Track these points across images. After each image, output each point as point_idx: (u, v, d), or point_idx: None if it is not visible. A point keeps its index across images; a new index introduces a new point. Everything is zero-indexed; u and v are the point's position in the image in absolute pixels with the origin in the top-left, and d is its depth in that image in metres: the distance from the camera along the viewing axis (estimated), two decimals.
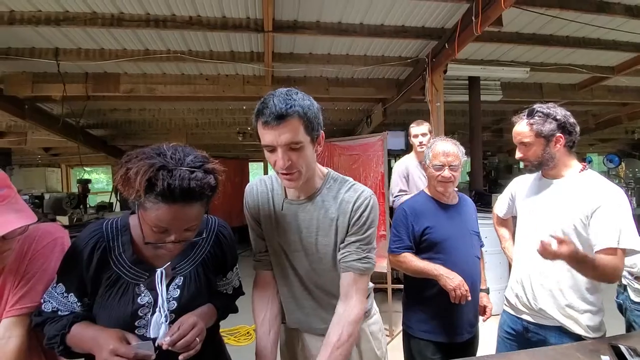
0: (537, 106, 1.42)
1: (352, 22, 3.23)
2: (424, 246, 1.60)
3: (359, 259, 1.05)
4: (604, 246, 1.23)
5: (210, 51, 3.61)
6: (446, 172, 1.56)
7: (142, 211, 0.86)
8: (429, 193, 1.71)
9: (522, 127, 1.43)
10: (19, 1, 2.68)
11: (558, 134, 1.37)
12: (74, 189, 8.37)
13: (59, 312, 0.93)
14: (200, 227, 1.00)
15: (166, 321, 0.93)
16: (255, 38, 3.35)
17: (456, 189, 1.73)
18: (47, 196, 6.55)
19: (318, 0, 2.85)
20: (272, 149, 0.96)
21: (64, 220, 5.23)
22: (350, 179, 1.14)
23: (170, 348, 0.86)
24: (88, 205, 6.65)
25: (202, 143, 7.13)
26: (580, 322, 1.33)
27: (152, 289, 0.94)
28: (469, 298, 1.47)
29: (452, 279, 1.47)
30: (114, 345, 0.82)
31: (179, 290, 0.98)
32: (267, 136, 0.94)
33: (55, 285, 0.94)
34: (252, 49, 3.61)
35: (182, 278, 0.99)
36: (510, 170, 7.78)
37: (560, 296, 1.36)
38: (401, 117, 6.43)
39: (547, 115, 1.38)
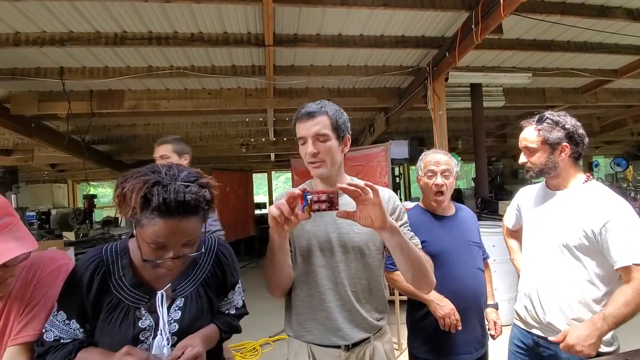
0: (548, 113, 1.40)
1: (352, 34, 3.25)
2: None
3: (411, 237, 1.18)
4: (629, 262, 1.18)
5: (212, 66, 3.65)
6: (439, 179, 1.53)
7: (140, 229, 0.86)
8: (422, 206, 1.67)
9: (529, 132, 1.41)
10: (24, 23, 2.73)
11: (564, 144, 1.34)
12: (80, 204, 8.43)
13: (62, 340, 0.92)
14: (199, 246, 1.00)
15: (168, 344, 0.92)
16: (256, 52, 3.39)
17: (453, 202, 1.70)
18: (53, 212, 6.61)
19: (318, 14, 2.88)
20: (304, 141, 1.14)
21: (70, 235, 5.25)
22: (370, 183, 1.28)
23: (156, 352, 0.86)
24: (94, 220, 6.69)
25: (206, 156, 7.17)
26: None
27: (153, 312, 0.93)
28: (459, 327, 1.41)
29: (442, 307, 1.41)
30: (128, 348, 0.84)
31: (180, 312, 0.97)
32: (300, 130, 1.14)
33: (56, 313, 0.93)
34: (254, 62, 3.64)
35: (183, 299, 0.98)
36: (515, 175, 7.72)
37: (568, 309, 1.32)
38: (404, 125, 6.43)
39: (556, 123, 1.36)
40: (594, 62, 4.08)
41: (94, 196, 6.78)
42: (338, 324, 1.15)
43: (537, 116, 1.41)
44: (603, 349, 1.27)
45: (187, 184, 0.85)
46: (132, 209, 0.82)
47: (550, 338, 1.27)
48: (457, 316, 1.40)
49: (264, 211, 9.88)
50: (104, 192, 13.46)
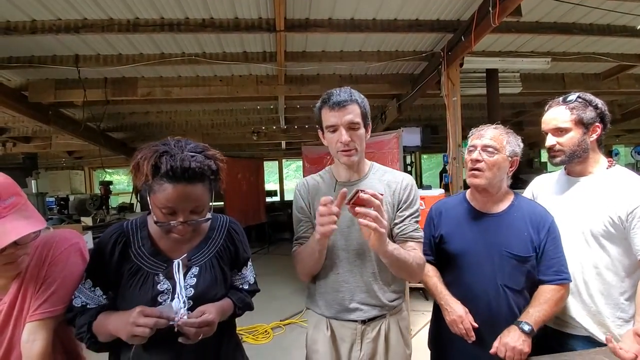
0: (577, 93, 1.33)
1: (364, 18, 3.18)
2: (442, 257, 1.38)
3: (415, 229, 1.22)
4: None
5: (223, 53, 3.64)
6: (475, 154, 1.29)
7: (152, 195, 0.94)
8: (468, 195, 1.43)
9: (559, 112, 1.31)
10: (40, 10, 2.76)
11: (597, 124, 1.29)
12: (97, 190, 8.64)
13: (88, 306, 1.00)
14: (212, 223, 1.13)
15: (184, 307, 0.98)
16: (267, 38, 3.36)
17: (516, 193, 1.39)
18: (71, 198, 6.80)
19: None
20: (335, 129, 1.17)
21: (88, 220, 5.41)
22: (389, 168, 1.35)
23: (178, 327, 0.92)
24: (110, 206, 6.86)
25: (217, 143, 7.22)
26: (612, 332, 1.24)
27: (170, 278, 1.01)
28: (472, 338, 1.23)
29: (449, 312, 1.27)
30: (141, 307, 0.90)
31: (195, 279, 1.04)
32: (332, 118, 1.16)
33: (84, 281, 1.02)
34: (265, 49, 3.62)
35: (197, 268, 1.06)
36: (531, 164, 7.57)
37: (590, 302, 1.28)
38: (416, 113, 6.33)
39: (589, 102, 1.29)
40: (616, 46, 3.91)
41: (110, 182, 6.94)
42: (355, 304, 1.21)
43: (565, 96, 1.33)
44: None
45: (193, 153, 0.94)
46: (145, 176, 0.90)
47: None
48: (468, 325, 1.23)
49: (274, 199, 9.97)
50: (120, 179, 13.75)
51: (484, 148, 1.29)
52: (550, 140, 1.33)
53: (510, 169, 1.34)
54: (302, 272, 1.25)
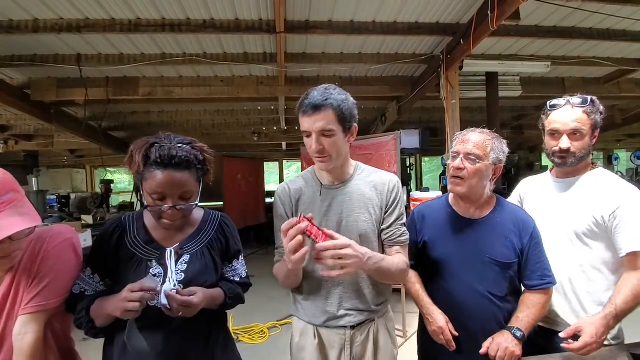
0: (583, 95, 1.31)
1: (364, 21, 3.20)
2: (425, 264, 1.36)
3: (402, 233, 1.22)
4: (637, 248, 1.17)
5: (224, 53, 3.67)
6: (457, 161, 1.26)
7: (144, 182, 1.01)
8: (451, 199, 1.40)
9: (578, 114, 1.27)
10: (43, 10, 2.80)
11: (598, 128, 1.31)
12: (98, 189, 8.68)
13: (86, 293, 1.07)
14: (205, 216, 1.21)
15: (175, 288, 1.02)
16: (267, 39, 3.38)
17: (499, 198, 1.36)
18: (72, 196, 6.83)
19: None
20: (309, 135, 1.12)
21: (88, 219, 5.44)
22: (375, 168, 1.31)
23: (165, 302, 0.96)
24: (111, 205, 6.89)
25: (218, 143, 7.24)
26: None
27: (163, 264, 1.07)
28: (452, 347, 1.24)
29: (431, 322, 1.28)
30: (129, 285, 0.96)
31: (186, 265, 1.10)
32: (305, 123, 1.11)
33: (84, 269, 1.09)
34: (265, 50, 3.64)
35: (189, 256, 1.11)
36: (531, 168, 7.57)
37: (575, 300, 1.31)
38: (416, 115, 6.35)
39: (597, 107, 1.29)
40: (617, 50, 3.91)
41: (111, 181, 6.96)
42: (344, 312, 1.20)
43: (575, 97, 1.30)
44: (611, 343, 1.26)
45: (181, 145, 1.03)
46: (138, 166, 0.99)
47: (561, 335, 1.18)
48: (448, 336, 1.24)
49: None
50: (121, 177, 13.77)
51: (467, 156, 1.25)
52: (566, 142, 1.28)
53: (494, 176, 1.30)
54: (283, 284, 1.23)
